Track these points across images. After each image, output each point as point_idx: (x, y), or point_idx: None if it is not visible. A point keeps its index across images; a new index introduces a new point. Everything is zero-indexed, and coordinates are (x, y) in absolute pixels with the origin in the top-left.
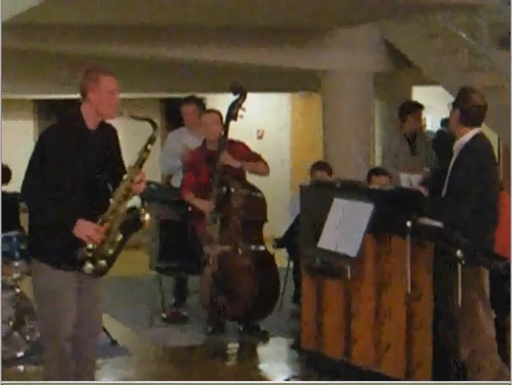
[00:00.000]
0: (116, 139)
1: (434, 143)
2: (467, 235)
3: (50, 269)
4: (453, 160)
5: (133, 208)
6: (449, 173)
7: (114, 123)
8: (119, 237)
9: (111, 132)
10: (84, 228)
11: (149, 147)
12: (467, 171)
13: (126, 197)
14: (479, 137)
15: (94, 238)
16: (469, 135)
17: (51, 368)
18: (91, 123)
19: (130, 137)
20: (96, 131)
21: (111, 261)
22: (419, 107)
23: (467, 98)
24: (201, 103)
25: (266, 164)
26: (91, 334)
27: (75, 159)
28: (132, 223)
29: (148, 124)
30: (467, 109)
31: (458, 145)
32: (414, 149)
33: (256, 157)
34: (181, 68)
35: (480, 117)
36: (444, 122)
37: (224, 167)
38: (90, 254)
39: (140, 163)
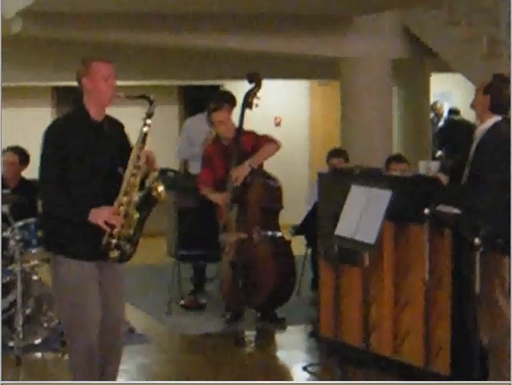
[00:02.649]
0: (124, 132)
1: (443, 131)
2: (490, 221)
3: (69, 260)
4: (473, 146)
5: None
6: (470, 160)
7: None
8: (136, 215)
9: (119, 126)
10: (99, 214)
11: (148, 121)
12: (490, 157)
13: (136, 176)
14: (500, 124)
15: (111, 221)
16: (491, 120)
17: (79, 361)
18: (94, 113)
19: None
20: (102, 122)
21: (134, 242)
22: None
23: (501, 86)
24: None
25: (274, 141)
26: (117, 323)
27: (81, 149)
28: (147, 199)
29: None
30: (499, 97)
31: (480, 132)
32: None
33: (264, 140)
34: (200, 55)
35: (507, 107)
36: (452, 111)
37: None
38: (114, 240)
39: (143, 138)
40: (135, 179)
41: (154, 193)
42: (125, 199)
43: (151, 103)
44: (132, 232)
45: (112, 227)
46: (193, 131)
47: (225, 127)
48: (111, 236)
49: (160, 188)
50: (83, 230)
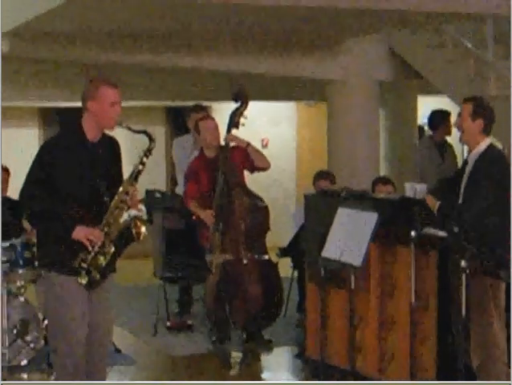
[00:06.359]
0: (118, 151)
1: None
2: (485, 242)
3: (59, 276)
4: (468, 169)
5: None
6: (464, 182)
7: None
8: (112, 249)
9: (113, 144)
10: (82, 231)
11: (145, 160)
12: (487, 178)
13: (120, 210)
14: (493, 146)
15: (94, 240)
16: (484, 143)
17: (64, 376)
18: (92, 135)
19: (129, 146)
20: (97, 143)
21: (104, 273)
22: (448, 114)
23: (488, 107)
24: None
25: (266, 158)
26: (102, 341)
27: (73, 171)
28: (125, 235)
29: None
30: (491, 118)
31: (473, 155)
32: (443, 158)
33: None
34: (187, 76)
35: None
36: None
37: (230, 160)
38: (84, 265)
39: (135, 176)
40: (119, 212)
41: (135, 231)
42: (105, 229)
43: (151, 140)
44: (104, 263)
45: (94, 243)
46: (179, 151)
47: (213, 135)
48: (84, 260)
49: (143, 229)
50: (75, 247)
